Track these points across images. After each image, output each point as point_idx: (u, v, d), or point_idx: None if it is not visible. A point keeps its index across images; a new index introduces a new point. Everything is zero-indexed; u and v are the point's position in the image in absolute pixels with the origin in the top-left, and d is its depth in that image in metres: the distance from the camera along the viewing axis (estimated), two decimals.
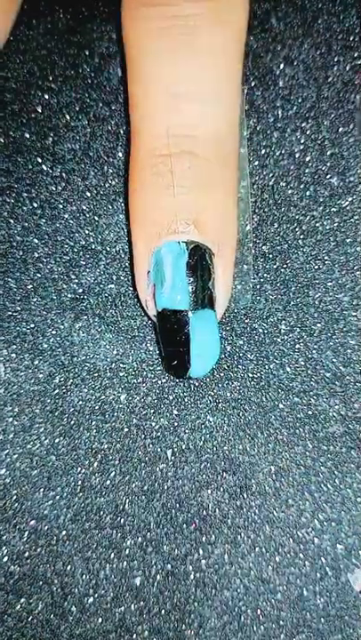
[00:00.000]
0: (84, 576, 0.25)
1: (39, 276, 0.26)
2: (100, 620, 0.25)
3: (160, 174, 0.23)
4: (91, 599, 0.25)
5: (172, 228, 0.23)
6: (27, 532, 0.25)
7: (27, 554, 0.25)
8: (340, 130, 0.26)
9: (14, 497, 0.25)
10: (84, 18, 0.27)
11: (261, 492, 0.25)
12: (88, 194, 0.26)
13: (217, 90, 0.23)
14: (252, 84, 0.26)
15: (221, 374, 0.26)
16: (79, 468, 0.25)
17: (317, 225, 0.26)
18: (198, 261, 0.23)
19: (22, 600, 0.25)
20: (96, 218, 0.26)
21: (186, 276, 0.23)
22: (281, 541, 0.25)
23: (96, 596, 0.25)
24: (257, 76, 0.26)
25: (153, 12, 0.23)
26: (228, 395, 0.26)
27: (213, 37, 0.23)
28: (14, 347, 0.26)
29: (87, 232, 0.26)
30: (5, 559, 0.25)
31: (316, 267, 0.26)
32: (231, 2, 0.23)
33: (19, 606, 0.25)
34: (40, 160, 0.26)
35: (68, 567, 0.25)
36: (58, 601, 0.25)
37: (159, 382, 0.26)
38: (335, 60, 0.26)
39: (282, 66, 0.26)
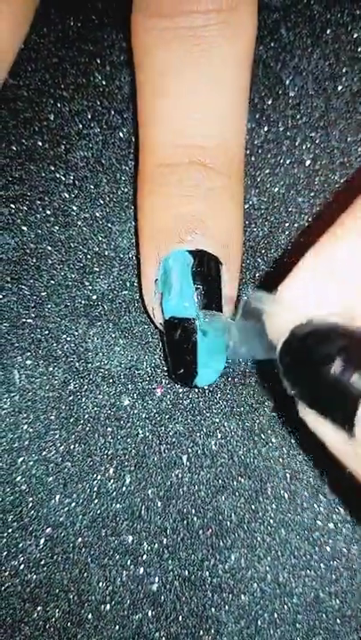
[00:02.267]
0: (100, 583, 0.25)
1: (53, 282, 0.26)
2: (117, 627, 0.25)
3: (167, 184, 0.23)
4: (108, 606, 0.25)
5: (180, 237, 0.23)
6: (43, 540, 0.25)
7: (43, 561, 0.25)
8: (349, 139, 0.27)
9: (30, 504, 0.25)
10: (95, 26, 0.27)
11: (277, 495, 0.25)
12: (101, 201, 0.26)
13: (225, 100, 0.24)
14: (263, 94, 0.27)
15: (235, 379, 0.26)
16: (95, 475, 0.25)
17: None
18: (206, 270, 0.24)
19: (39, 608, 0.25)
20: (109, 225, 0.26)
21: (193, 284, 0.23)
22: (296, 544, 0.25)
23: (113, 603, 0.25)
24: (267, 85, 0.27)
25: (163, 22, 0.23)
26: (243, 400, 0.26)
27: (223, 49, 0.23)
28: (29, 353, 0.26)
29: (100, 239, 0.26)
30: (22, 567, 0.25)
31: None
32: (240, 13, 0.24)
33: (35, 614, 0.25)
34: (53, 168, 0.26)
35: (85, 574, 0.25)
36: (75, 609, 0.25)
37: (174, 388, 0.26)
38: (344, 70, 0.27)
39: (291, 76, 0.27)
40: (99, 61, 0.27)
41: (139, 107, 0.24)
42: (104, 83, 0.27)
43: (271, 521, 0.25)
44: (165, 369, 0.26)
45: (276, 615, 0.25)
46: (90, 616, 0.25)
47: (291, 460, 0.25)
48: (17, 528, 0.25)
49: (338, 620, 0.25)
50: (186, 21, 0.23)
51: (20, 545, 0.25)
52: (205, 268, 0.24)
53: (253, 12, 0.24)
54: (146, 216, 0.24)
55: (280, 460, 0.25)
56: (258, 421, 0.26)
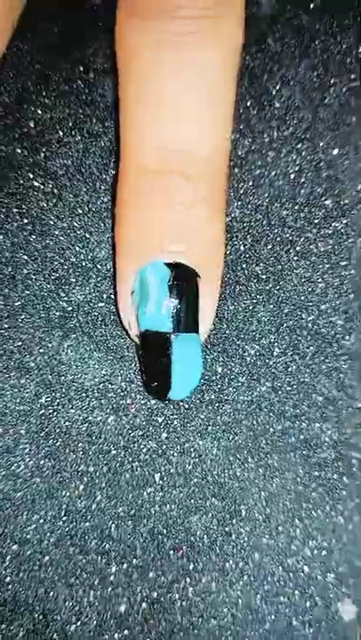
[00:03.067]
0: (67, 602, 0.24)
1: (27, 292, 0.25)
2: None
3: (148, 193, 0.23)
4: (73, 627, 0.24)
5: (159, 248, 0.23)
6: (8, 557, 0.24)
7: (8, 579, 0.24)
8: (336, 152, 0.26)
9: None
10: (79, 33, 0.26)
11: (251, 518, 0.25)
12: (80, 210, 0.26)
13: (210, 108, 0.23)
14: (248, 104, 0.26)
15: (212, 397, 0.25)
16: (64, 492, 0.25)
17: (312, 247, 0.26)
18: (184, 283, 0.23)
19: (3, 626, 0.24)
20: (87, 235, 0.26)
21: (170, 297, 0.23)
22: (270, 569, 0.24)
23: (79, 623, 0.24)
24: (253, 95, 0.26)
25: (148, 26, 0.23)
26: (219, 418, 0.25)
27: (209, 54, 0.23)
28: (0, 364, 0.25)
29: (78, 249, 0.26)
30: None
31: (310, 289, 0.25)
32: (228, 19, 0.23)
33: None
34: (31, 176, 0.26)
35: (51, 593, 0.24)
36: (39, 628, 0.24)
37: (148, 404, 0.25)
38: (332, 81, 0.26)
39: (278, 86, 0.26)
40: (82, 68, 0.26)
41: (121, 113, 0.24)
42: (87, 90, 0.26)
43: (245, 544, 0.24)
44: (140, 384, 0.25)
45: None
46: (55, 636, 0.24)
47: (267, 483, 0.25)
48: None
49: None
50: (172, 27, 0.23)
51: None
52: (184, 281, 0.23)
53: (241, 20, 0.23)
54: (124, 225, 0.24)
55: (256, 481, 0.25)
56: (234, 441, 0.25)
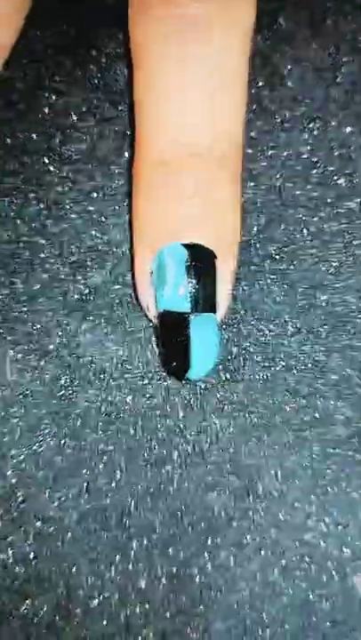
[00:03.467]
0: (89, 578, 0.25)
1: (45, 276, 0.26)
2: (104, 622, 0.25)
3: (165, 178, 0.23)
4: (95, 601, 0.25)
5: (176, 231, 0.23)
6: (32, 534, 0.25)
7: (32, 555, 0.25)
8: (348, 130, 0.26)
9: (20, 498, 0.25)
10: (91, 17, 0.27)
11: (267, 495, 0.25)
12: (95, 194, 0.26)
13: (223, 94, 0.23)
14: (259, 85, 0.26)
15: (227, 376, 0.26)
16: (85, 470, 0.25)
17: (325, 226, 0.26)
18: (201, 264, 0.23)
19: (27, 601, 0.25)
20: (103, 218, 0.26)
21: (188, 278, 0.23)
22: (287, 545, 0.25)
23: (101, 598, 0.25)
24: (264, 75, 0.26)
25: (161, 12, 0.23)
26: (235, 397, 0.25)
27: (222, 38, 0.23)
28: (20, 347, 0.26)
29: (94, 233, 0.26)
30: (11, 560, 0.25)
31: (324, 268, 0.26)
32: (239, 2, 0.23)
33: (23, 607, 0.25)
34: (47, 161, 0.26)
35: (74, 569, 0.25)
36: (62, 603, 0.25)
37: (165, 384, 0.26)
38: (343, 60, 0.26)
39: (290, 66, 0.26)
40: (95, 53, 0.27)
41: (135, 100, 0.24)
42: (99, 75, 0.26)
43: (262, 520, 0.25)
44: (157, 365, 0.26)
45: (265, 615, 0.24)
46: (78, 611, 0.25)
47: (282, 460, 0.25)
48: (6, 521, 0.25)
49: (328, 624, 0.24)
50: (183, 10, 0.23)
51: (9, 539, 0.25)
52: (201, 262, 0.23)
53: (252, 2, 0.23)
54: (141, 210, 0.24)
55: (271, 458, 0.25)
56: (250, 419, 0.25)
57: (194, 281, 0.23)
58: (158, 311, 0.24)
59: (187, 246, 0.23)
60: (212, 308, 0.24)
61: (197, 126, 0.23)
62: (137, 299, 0.25)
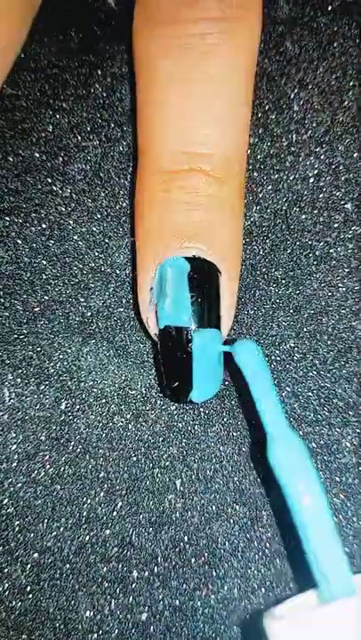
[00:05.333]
0: (88, 612, 0.24)
1: (47, 298, 0.25)
2: None
3: (168, 190, 0.23)
4: (95, 636, 0.24)
5: (177, 244, 0.23)
6: (29, 565, 0.24)
7: (29, 588, 0.24)
8: (355, 155, 0.26)
9: (17, 528, 0.24)
10: (96, 37, 0.26)
11: (272, 524, 0.24)
12: (98, 215, 0.26)
13: (227, 109, 0.23)
14: (266, 108, 0.26)
15: (232, 402, 0.25)
16: (85, 498, 0.24)
17: (331, 251, 0.26)
18: (204, 279, 0.23)
19: (24, 636, 0.24)
20: (106, 240, 0.26)
21: (189, 292, 0.23)
22: (292, 576, 0.24)
23: (100, 632, 0.24)
24: (271, 99, 0.26)
25: (165, 30, 0.23)
26: (239, 424, 0.25)
27: (226, 57, 0.23)
28: (20, 371, 0.25)
29: (97, 254, 0.25)
30: (7, 593, 0.24)
31: (330, 293, 0.25)
32: (244, 22, 0.23)
33: None
34: (50, 180, 0.26)
35: (72, 602, 0.24)
36: (60, 638, 0.24)
37: (168, 409, 0.25)
38: (351, 84, 0.26)
39: (296, 89, 0.26)
40: (100, 73, 0.26)
41: (138, 115, 0.24)
42: (104, 94, 0.26)
43: (266, 550, 0.24)
44: (159, 390, 0.25)
45: None
46: None
47: None
48: (2, 552, 0.24)
49: None
50: (188, 29, 0.23)
51: (6, 570, 0.24)
52: (203, 275, 0.23)
53: (258, 22, 0.23)
54: (143, 222, 0.24)
55: (277, 487, 0.24)
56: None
57: (196, 295, 0.23)
58: (159, 327, 0.23)
59: (188, 260, 0.23)
60: (216, 323, 0.23)
61: (201, 140, 0.23)
62: (139, 317, 0.24)
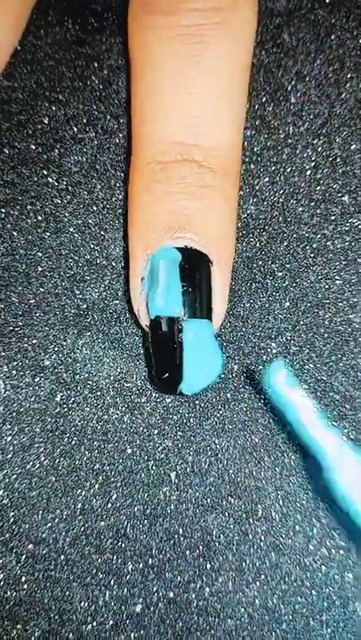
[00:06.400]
0: (82, 602, 0.24)
1: (42, 290, 0.25)
2: None
3: (161, 180, 0.23)
4: (89, 627, 0.24)
5: (169, 234, 0.23)
6: (24, 557, 0.24)
7: (24, 579, 0.24)
8: (353, 147, 0.26)
9: (12, 519, 0.24)
10: (93, 29, 0.26)
11: (268, 517, 0.24)
12: (94, 207, 0.26)
13: (222, 100, 0.23)
14: (263, 100, 0.26)
15: (228, 395, 0.25)
16: (79, 490, 0.24)
17: (328, 244, 0.25)
18: (196, 269, 0.23)
19: (18, 626, 0.24)
20: (102, 232, 0.26)
21: (180, 282, 0.22)
22: (287, 569, 0.24)
23: (95, 623, 0.24)
24: (268, 91, 0.26)
25: (160, 20, 0.23)
26: (235, 416, 0.25)
27: (221, 48, 0.23)
28: (15, 363, 0.25)
29: (92, 246, 0.25)
30: (1, 584, 0.24)
31: (327, 286, 0.25)
32: (239, 13, 0.23)
33: (14, 633, 0.24)
34: (45, 172, 0.26)
35: (67, 593, 0.24)
36: (55, 628, 0.24)
37: (164, 402, 0.25)
38: (348, 76, 0.26)
39: (294, 82, 0.26)
40: (96, 65, 0.26)
41: (133, 104, 0.24)
42: (101, 87, 0.26)
43: (261, 544, 0.24)
44: (149, 381, 0.25)
45: None
46: (71, 636, 0.24)
47: (283, 481, 0.24)
48: None
49: None
50: (184, 19, 0.23)
51: (0, 561, 0.24)
52: (194, 265, 0.23)
53: (253, 13, 0.23)
54: (136, 212, 0.24)
55: (272, 480, 0.24)
56: (250, 439, 0.25)
57: (187, 285, 0.22)
58: (150, 318, 0.23)
59: (180, 250, 0.22)
60: (207, 313, 0.23)
61: (194, 130, 0.23)
62: (132, 308, 0.24)
